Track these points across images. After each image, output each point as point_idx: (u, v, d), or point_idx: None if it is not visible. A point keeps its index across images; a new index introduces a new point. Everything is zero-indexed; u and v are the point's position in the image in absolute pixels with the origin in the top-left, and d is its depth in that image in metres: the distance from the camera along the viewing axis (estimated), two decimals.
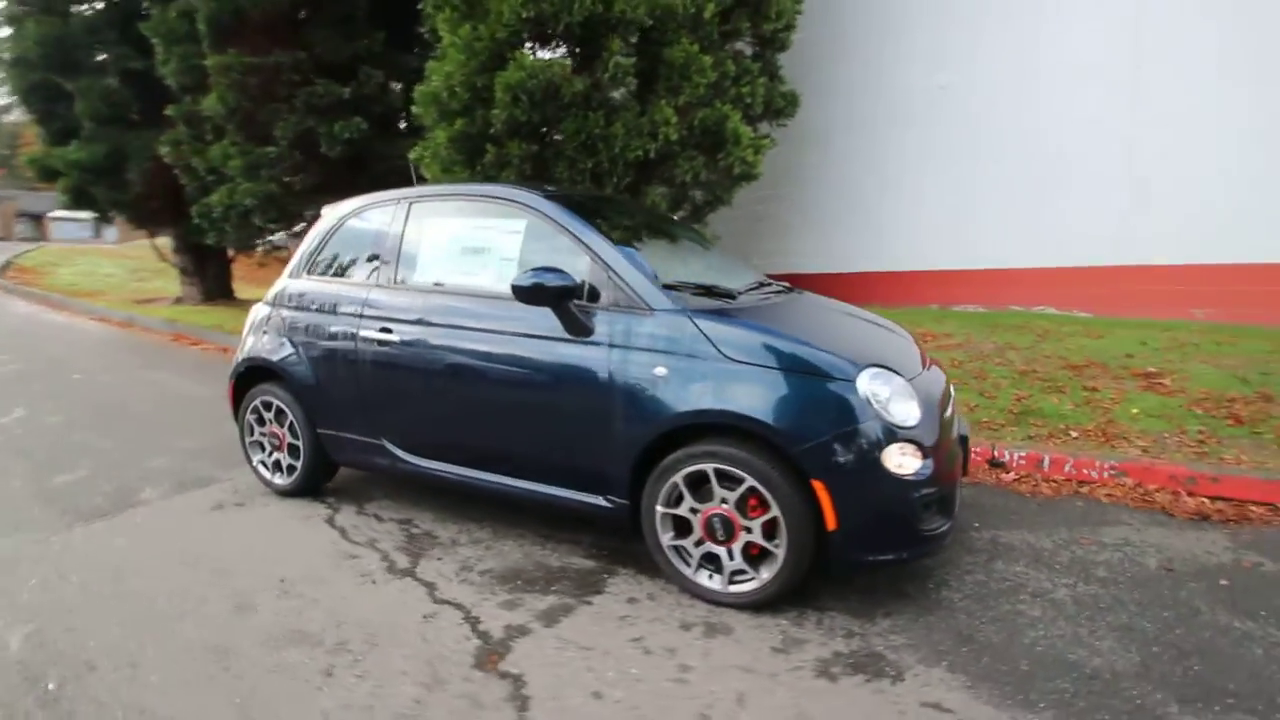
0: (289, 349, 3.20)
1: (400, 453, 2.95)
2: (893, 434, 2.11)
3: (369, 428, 3.01)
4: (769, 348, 2.22)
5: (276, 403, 3.27)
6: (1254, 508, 3.03)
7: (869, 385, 2.15)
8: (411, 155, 6.99)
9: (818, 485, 2.08)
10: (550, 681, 1.91)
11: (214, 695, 1.88)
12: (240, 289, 11.08)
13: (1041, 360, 5.20)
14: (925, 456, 2.14)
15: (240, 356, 3.41)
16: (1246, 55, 5.64)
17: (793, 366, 2.18)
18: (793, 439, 2.10)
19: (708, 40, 5.94)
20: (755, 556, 2.24)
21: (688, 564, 2.34)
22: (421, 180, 5.93)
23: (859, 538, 2.12)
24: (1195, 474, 3.22)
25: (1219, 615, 2.21)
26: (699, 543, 2.31)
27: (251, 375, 3.41)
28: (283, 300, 3.32)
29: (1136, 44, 6.13)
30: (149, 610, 2.33)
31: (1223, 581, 2.43)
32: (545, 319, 2.50)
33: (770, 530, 2.18)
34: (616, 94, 5.75)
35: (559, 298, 2.38)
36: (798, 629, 2.16)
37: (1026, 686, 1.87)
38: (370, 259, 3.08)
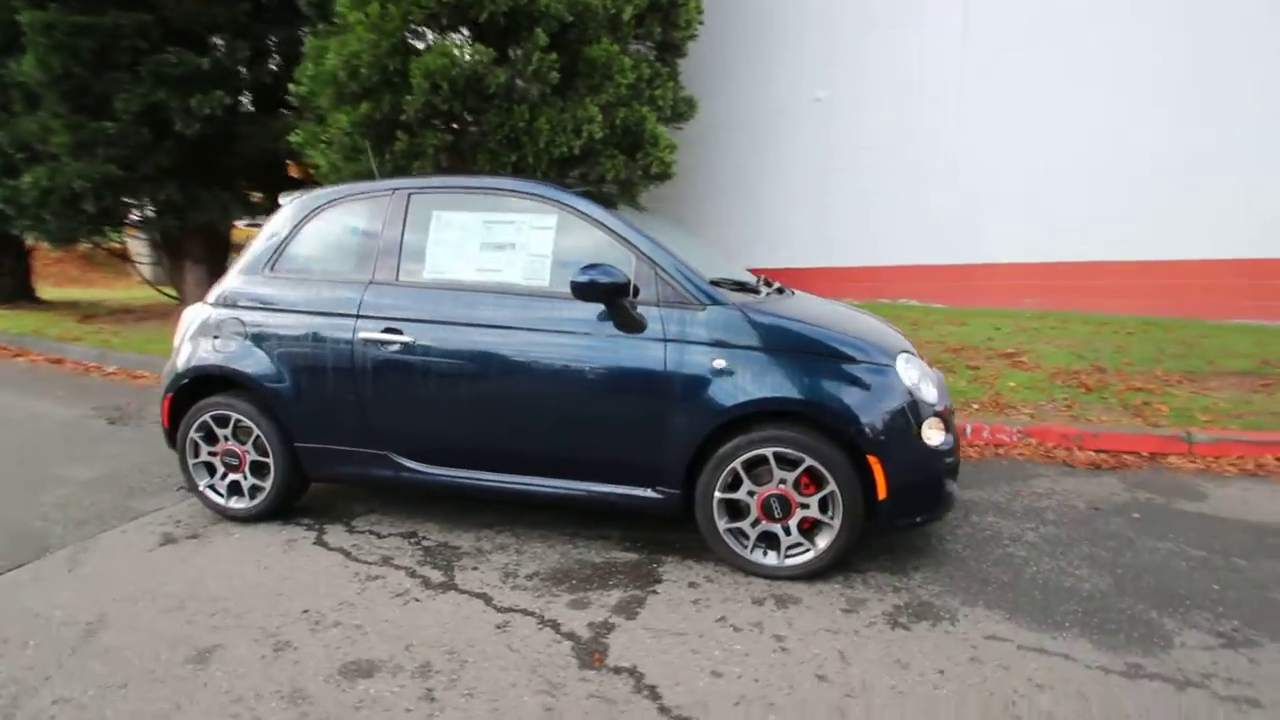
0: (256, 356, 2.83)
1: (408, 462, 2.75)
2: (924, 410, 2.41)
3: (368, 437, 2.77)
4: (815, 338, 2.43)
5: (236, 416, 2.88)
6: (1127, 456, 3.81)
7: (904, 369, 2.43)
8: (294, 138, 6.37)
9: (873, 460, 2.33)
10: (665, 669, 1.95)
11: None
12: (44, 289, 9.23)
13: (922, 345, 5.98)
14: (947, 430, 2.48)
15: (181, 366, 2.95)
16: (1063, 79, 6.87)
17: (840, 355, 2.40)
18: (852, 420, 2.32)
19: (624, 42, 6.05)
20: (808, 530, 2.44)
21: (744, 544, 2.47)
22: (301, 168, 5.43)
23: (902, 504, 2.39)
24: (1080, 432, 3.97)
25: (1145, 540, 2.79)
26: (755, 523, 2.45)
27: (197, 388, 2.97)
28: (241, 301, 2.93)
29: (962, 67, 7.24)
30: (154, 665, 1.99)
31: (1135, 515, 3.05)
32: (592, 315, 2.49)
33: (824, 504, 2.39)
34: (536, 89, 5.65)
35: (614, 294, 2.39)
36: (852, 591, 2.39)
37: (1048, 612, 2.25)
38: (362, 254, 2.82)
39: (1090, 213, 6.81)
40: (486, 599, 2.35)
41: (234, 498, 2.99)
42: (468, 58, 5.18)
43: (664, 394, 2.44)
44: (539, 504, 2.82)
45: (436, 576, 2.51)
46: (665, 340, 2.44)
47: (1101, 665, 1.96)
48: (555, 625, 2.19)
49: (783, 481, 2.39)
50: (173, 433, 3.05)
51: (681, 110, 7.05)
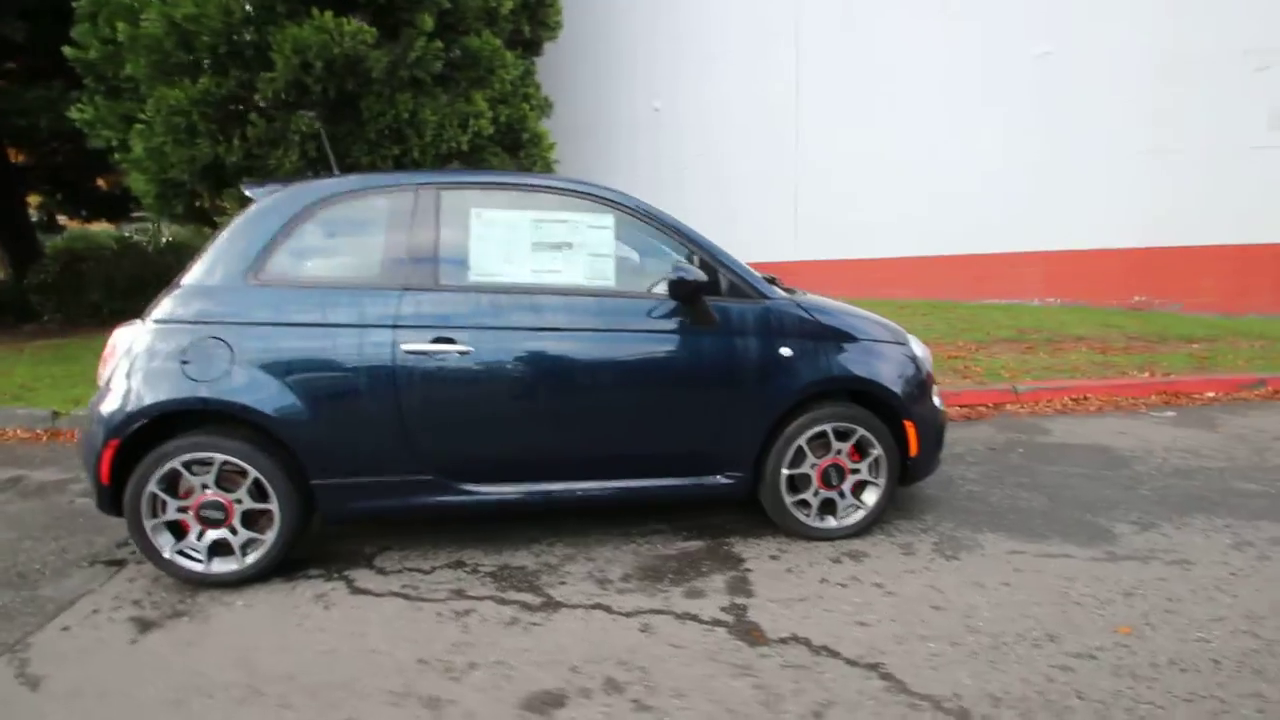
0: (256, 381, 2.35)
1: (463, 484, 2.53)
2: (929, 378, 2.92)
3: (412, 462, 2.48)
4: (856, 324, 2.79)
5: (223, 459, 2.36)
6: (981, 408, 4.87)
7: (915, 345, 2.91)
8: (78, 114, 5.07)
9: (908, 424, 2.76)
10: (821, 630, 2.15)
11: None
12: None
13: None
14: (938, 395, 3.02)
15: (133, 405, 2.32)
16: (879, 101, 8.22)
17: (875, 337, 2.80)
18: (894, 392, 2.72)
19: (502, 36, 5.89)
20: (855, 491, 2.80)
21: (808, 513, 2.75)
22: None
23: (924, 459, 2.87)
24: (944, 393, 4.98)
25: (1041, 466, 3.67)
26: (816, 492, 2.74)
27: (153, 430, 2.36)
28: (219, 316, 2.39)
29: (796, 94, 8.37)
30: None
31: (1020, 450, 3.97)
32: (666, 313, 2.55)
33: (873, 467, 2.77)
34: (421, 77, 5.24)
35: (701, 292, 2.49)
36: (894, 538, 2.80)
37: (1028, 528, 2.89)
38: (389, 256, 2.49)
39: (895, 214, 8.26)
40: (605, 608, 2.30)
41: (218, 560, 2.44)
42: (348, 36, 4.61)
43: (738, 383, 2.61)
44: (602, 508, 2.78)
45: (531, 598, 2.38)
46: (736, 333, 2.61)
47: (1091, 556, 2.62)
48: (693, 616, 2.25)
49: (838, 451, 2.72)
50: (116, 491, 2.38)
51: (544, 111, 7.05)
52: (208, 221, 5.70)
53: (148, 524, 2.39)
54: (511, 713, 1.80)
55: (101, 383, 2.44)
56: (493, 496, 2.57)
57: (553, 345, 2.51)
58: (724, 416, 2.63)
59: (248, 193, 2.59)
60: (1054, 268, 7.76)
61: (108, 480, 2.38)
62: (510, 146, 6.06)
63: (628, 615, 2.26)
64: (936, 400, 2.95)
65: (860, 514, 2.79)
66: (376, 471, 2.48)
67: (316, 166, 5.32)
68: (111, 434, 2.33)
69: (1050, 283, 7.78)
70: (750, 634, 2.15)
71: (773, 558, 2.66)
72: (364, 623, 2.24)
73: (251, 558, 2.45)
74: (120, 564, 2.68)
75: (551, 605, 2.33)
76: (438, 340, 2.43)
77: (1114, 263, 7.58)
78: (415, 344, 2.42)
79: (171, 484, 2.38)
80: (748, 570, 2.56)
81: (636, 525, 2.94)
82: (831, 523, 2.77)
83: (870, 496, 2.79)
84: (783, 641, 2.10)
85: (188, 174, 4.76)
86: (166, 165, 4.66)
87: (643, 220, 2.65)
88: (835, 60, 8.04)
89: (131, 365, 2.37)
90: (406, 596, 2.40)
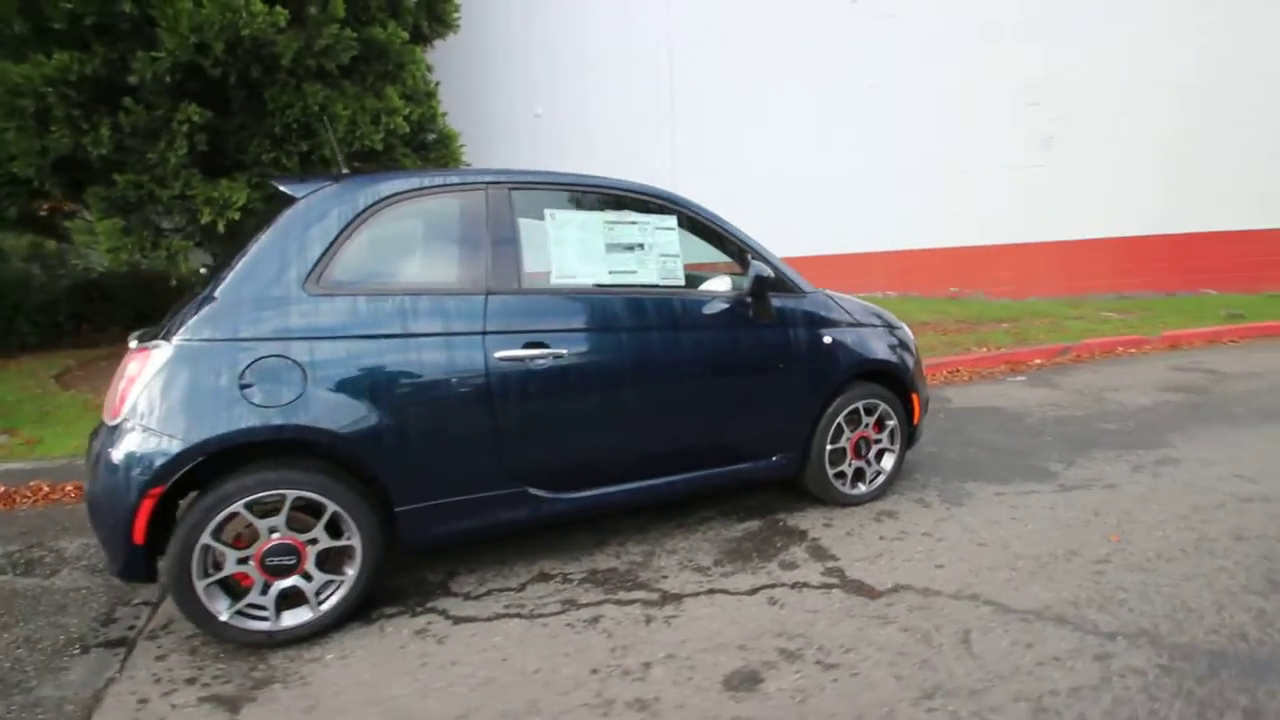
0: (333, 403, 2.07)
1: (547, 493, 2.44)
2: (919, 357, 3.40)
3: (501, 475, 2.34)
4: (874, 313, 3.17)
5: (296, 495, 2.05)
6: None
7: (906, 330, 3.37)
8: None
9: (914, 396, 3.20)
10: (918, 577, 2.44)
11: None
12: None
13: None
14: None
15: (176, 441, 1.92)
16: (751, 119, 8.89)
17: (888, 324, 3.19)
18: (906, 370, 3.14)
19: (406, 30, 5.52)
20: (876, 459, 3.17)
21: (844, 482, 3.06)
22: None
23: (919, 427, 3.33)
24: None
25: (968, 427, 4.38)
26: (849, 463, 3.06)
27: (201, 470, 1.97)
28: (283, 330, 2.05)
29: (671, 108, 8.82)
30: None
31: (942, 415, 4.70)
32: (733, 310, 2.70)
33: (891, 436, 3.16)
34: (328, 66, 4.73)
35: (770, 288, 2.67)
36: (906, 496, 3.21)
37: (1004, 476, 3.47)
38: (465, 259, 2.32)
39: (764, 221, 9.02)
40: (723, 591, 2.39)
41: (289, 613, 2.10)
42: (259, 17, 4.02)
43: (795, 371, 2.84)
44: (671, 502, 2.82)
45: (646, 595, 2.38)
46: (789, 325, 2.83)
47: (1051, 490, 3.25)
48: (804, 584, 2.43)
49: (865, 425, 3.07)
50: (150, 551, 1.94)
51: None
52: (49, 231, 4.54)
53: (199, 585, 1.98)
54: (721, 696, 1.85)
55: (115, 418, 1.97)
56: (579, 502, 2.51)
57: (638, 344, 2.53)
58: (784, 402, 2.84)
59: (286, 189, 2.24)
60: (891, 265, 9.10)
61: (143, 538, 1.94)
62: (417, 146, 5.68)
63: (748, 594, 2.38)
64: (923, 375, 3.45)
65: (882, 479, 3.17)
66: (465, 490, 2.31)
67: (206, 163, 4.54)
68: (153, 480, 1.91)
69: (890, 278, 9.10)
70: (863, 590, 2.38)
71: (826, 525, 2.93)
72: (496, 648, 2.09)
73: (329, 604, 2.14)
74: (125, 643, 2.17)
75: (672, 598, 2.37)
76: (530, 345, 2.33)
77: (935, 260, 9.08)
78: (509, 350, 2.30)
79: (218, 533, 2.00)
80: (815, 539, 2.80)
81: (687, 516, 3.03)
82: (861, 489, 3.12)
83: (888, 462, 3.18)
84: (893, 591, 2.37)
85: (34, 168, 3.76)
86: (3, 158, 3.65)
87: (701, 220, 2.77)
88: (705, 77, 8.63)
89: (167, 393, 1.96)
90: (520, 615, 2.27)
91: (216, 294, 2.08)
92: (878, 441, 3.13)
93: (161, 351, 2.00)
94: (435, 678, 1.96)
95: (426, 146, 5.72)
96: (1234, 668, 1.91)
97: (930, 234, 8.91)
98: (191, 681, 1.96)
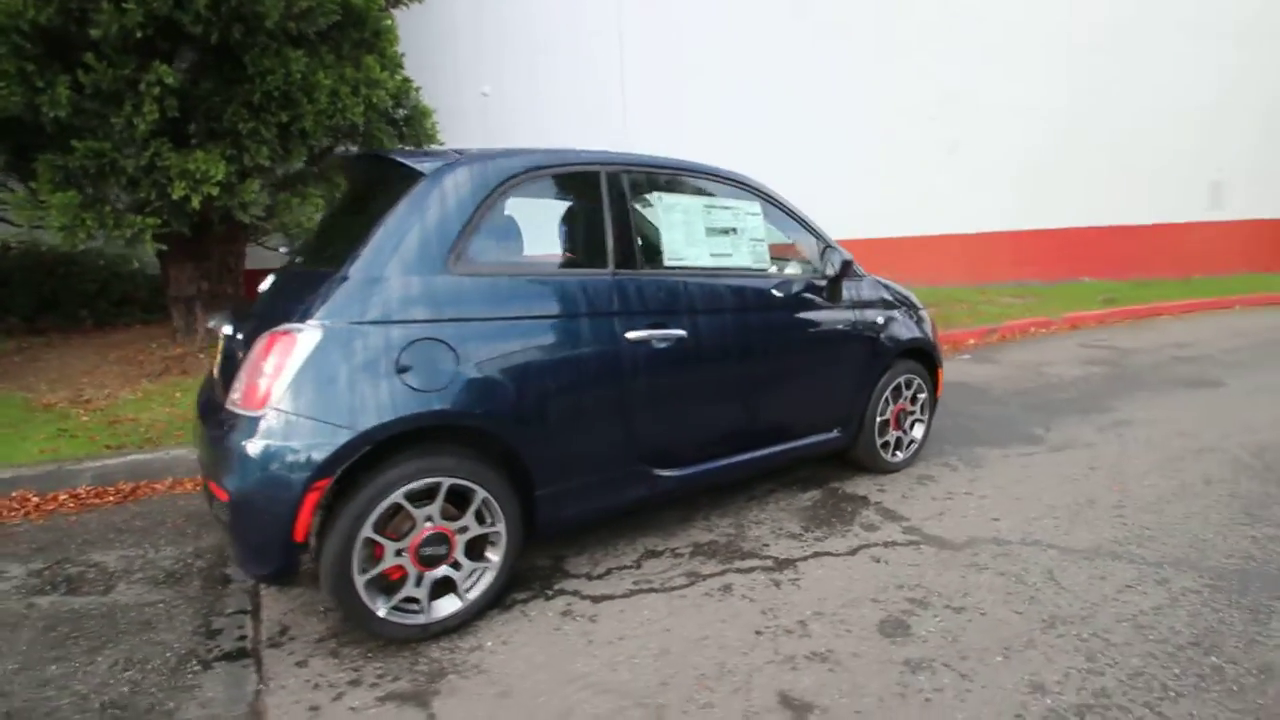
0: (484, 385, 2.03)
1: (662, 471, 2.51)
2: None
3: (628, 454, 2.39)
4: (908, 296, 3.45)
5: (452, 482, 1.99)
6: None
7: (926, 309, 3.69)
8: None
9: (940, 371, 3.53)
10: (983, 529, 2.75)
11: None
12: None
13: None
14: None
15: (342, 430, 1.80)
16: (700, 102, 9.05)
17: (917, 306, 3.49)
18: (934, 347, 3.46)
19: None
20: (910, 429, 3.47)
21: (888, 452, 3.33)
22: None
23: (939, 398, 3.68)
24: None
25: (950, 400, 4.85)
26: (891, 433, 3.34)
27: (364, 458, 1.87)
28: (432, 311, 1.97)
29: (622, 92, 8.83)
30: None
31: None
32: (815, 291, 2.87)
33: (923, 408, 3.47)
34: (306, 30, 4.36)
35: (846, 274, 2.86)
36: (932, 461, 3.56)
37: (1001, 441, 3.92)
38: (590, 240, 2.31)
39: None
40: (828, 554, 2.58)
41: (440, 601, 2.03)
42: None
43: (860, 349, 3.07)
44: (757, 475, 2.96)
45: (759, 562, 2.52)
46: (852, 306, 3.05)
47: (1045, 451, 3.72)
48: (893, 543, 2.66)
49: (904, 398, 3.37)
50: (305, 548, 1.82)
51: None
52: None
53: (359, 580, 1.89)
54: (882, 642, 2.03)
55: (258, 407, 1.82)
56: (685, 478, 2.59)
57: (740, 325, 2.64)
58: (850, 378, 3.06)
59: (409, 163, 2.12)
60: None
61: (304, 536, 1.81)
62: (391, 121, 5.35)
63: (851, 554, 2.58)
64: None
65: (915, 447, 3.49)
66: (596, 470, 2.33)
67: (178, 128, 4.03)
68: (317, 473, 1.79)
69: None
70: (945, 544, 2.66)
71: (881, 491, 3.19)
72: (652, 621, 2.15)
73: (475, 592, 2.10)
74: (246, 654, 2.00)
75: (785, 563, 2.52)
76: (654, 325, 2.38)
77: (858, 249, 9.77)
78: (638, 331, 2.33)
79: (380, 525, 1.91)
80: (879, 503, 3.05)
81: (753, 490, 3.19)
82: (900, 456, 3.41)
83: (918, 432, 3.50)
84: (969, 543, 2.66)
85: None
86: None
87: (776, 207, 2.91)
88: (655, 60, 8.71)
89: (323, 379, 1.83)
90: (653, 590, 2.34)
91: (352, 273, 1.96)
92: (911, 413, 3.45)
93: (309, 335, 1.86)
94: (611, 653, 2.00)
95: (396, 123, 5.41)
96: (1257, 581, 2.35)
97: (851, 226, 9.57)
98: (355, 683, 1.87)
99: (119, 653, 2.00)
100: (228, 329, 2.25)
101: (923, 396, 3.46)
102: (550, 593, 2.33)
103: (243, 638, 2.09)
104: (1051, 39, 9.67)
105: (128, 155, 3.76)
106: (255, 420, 1.82)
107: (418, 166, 2.12)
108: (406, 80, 5.28)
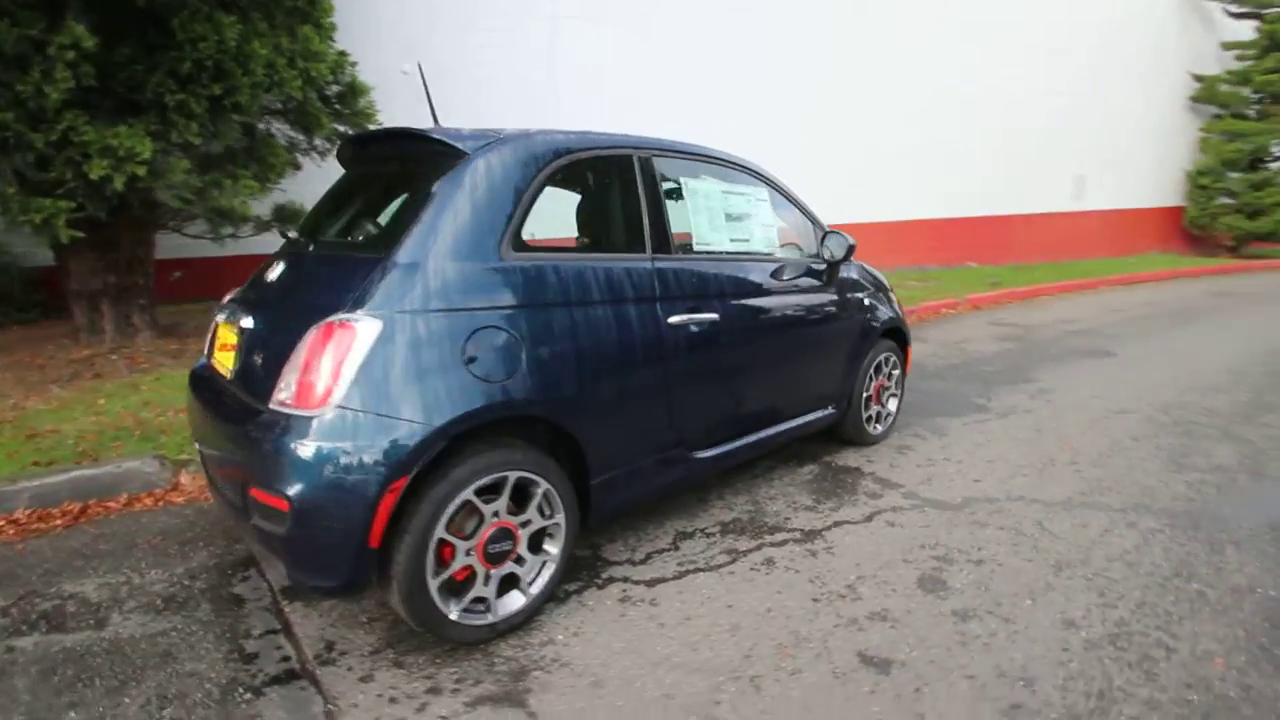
0: (547, 374, 1.97)
1: (694, 453, 2.55)
2: None
3: (668, 438, 2.40)
4: (883, 278, 3.65)
5: (518, 475, 1.92)
6: None
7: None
8: None
9: (909, 349, 3.79)
10: (972, 490, 3.01)
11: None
12: None
13: None
14: None
15: (417, 425, 1.69)
16: (629, 87, 8.98)
17: (888, 286, 3.71)
18: (904, 326, 3.70)
19: None
20: (886, 403, 3.71)
21: (870, 425, 3.54)
22: None
23: (907, 374, 3.95)
24: None
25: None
26: (872, 408, 3.55)
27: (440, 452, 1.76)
28: (491, 298, 1.88)
29: (551, 75, 8.64)
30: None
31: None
32: (817, 274, 2.99)
33: (897, 383, 3.71)
34: None
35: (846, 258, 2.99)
36: (904, 433, 3.82)
37: (947, 409, 4.27)
38: (628, 224, 2.28)
39: None
40: (847, 522, 2.73)
41: (505, 598, 1.96)
42: None
43: (851, 328, 3.24)
44: (767, 453, 3.04)
45: (787, 536, 2.62)
46: (845, 288, 3.21)
47: (994, 417, 4.10)
48: (898, 508, 2.86)
49: (884, 375, 3.59)
50: (384, 554, 1.69)
51: None
52: None
53: (433, 585, 1.78)
54: (927, 597, 2.19)
55: (318, 405, 1.66)
56: (712, 459, 2.64)
57: (761, 307, 2.71)
58: (844, 356, 3.23)
59: (451, 141, 1.99)
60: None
61: (379, 541, 1.68)
62: (323, 97, 4.94)
63: (867, 520, 2.75)
64: None
65: (891, 420, 3.73)
66: (642, 456, 2.33)
67: (91, 99, 3.47)
68: (394, 472, 1.66)
69: None
70: (944, 505, 2.88)
71: (870, 462, 3.40)
72: (713, 600, 2.19)
73: (538, 586, 2.05)
74: (297, 675, 1.84)
75: (812, 534, 2.64)
76: (691, 309, 2.40)
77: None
78: (677, 315, 2.34)
79: (451, 522, 1.81)
80: (873, 473, 3.25)
81: (754, 468, 3.30)
82: (879, 429, 3.64)
83: (892, 405, 3.75)
84: (965, 503, 2.91)
85: None
86: None
87: (778, 192, 3.00)
88: (587, 43, 8.60)
89: (389, 372, 1.71)
90: (702, 570, 2.37)
91: (404, 259, 1.83)
92: (888, 388, 3.69)
93: (369, 325, 1.72)
94: (686, 633, 2.02)
95: (329, 99, 5.03)
96: (1203, 519, 2.75)
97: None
98: (435, 691, 1.77)
99: (146, 690, 1.77)
100: (246, 320, 2.02)
101: (896, 373, 3.71)
102: (600, 581, 2.31)
103: (285, 658, 1.92)
104: (943, 47, 10.50)
105: (37, 129, 3.24)
106: (315, 419, 1.67)
107: (460, 145, 2.01)
108: (343, 54, 4.92)
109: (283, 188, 5.02)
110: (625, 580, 2.32)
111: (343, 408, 1.68)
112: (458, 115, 8.46)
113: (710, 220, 2.64)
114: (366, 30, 7.56)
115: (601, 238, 2.35)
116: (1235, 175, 11.68)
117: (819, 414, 3.21)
